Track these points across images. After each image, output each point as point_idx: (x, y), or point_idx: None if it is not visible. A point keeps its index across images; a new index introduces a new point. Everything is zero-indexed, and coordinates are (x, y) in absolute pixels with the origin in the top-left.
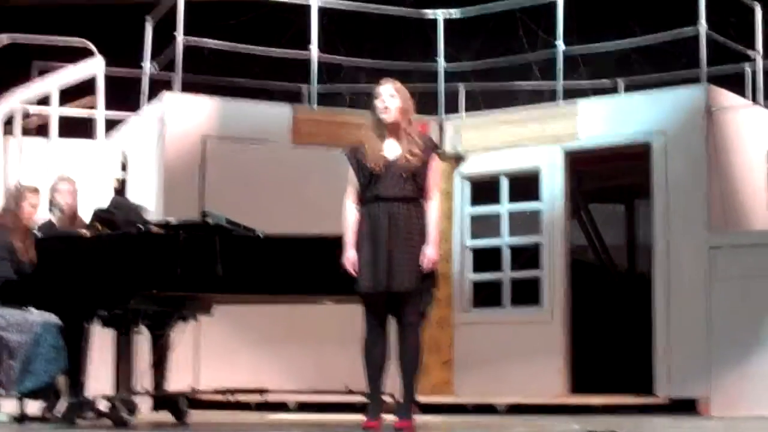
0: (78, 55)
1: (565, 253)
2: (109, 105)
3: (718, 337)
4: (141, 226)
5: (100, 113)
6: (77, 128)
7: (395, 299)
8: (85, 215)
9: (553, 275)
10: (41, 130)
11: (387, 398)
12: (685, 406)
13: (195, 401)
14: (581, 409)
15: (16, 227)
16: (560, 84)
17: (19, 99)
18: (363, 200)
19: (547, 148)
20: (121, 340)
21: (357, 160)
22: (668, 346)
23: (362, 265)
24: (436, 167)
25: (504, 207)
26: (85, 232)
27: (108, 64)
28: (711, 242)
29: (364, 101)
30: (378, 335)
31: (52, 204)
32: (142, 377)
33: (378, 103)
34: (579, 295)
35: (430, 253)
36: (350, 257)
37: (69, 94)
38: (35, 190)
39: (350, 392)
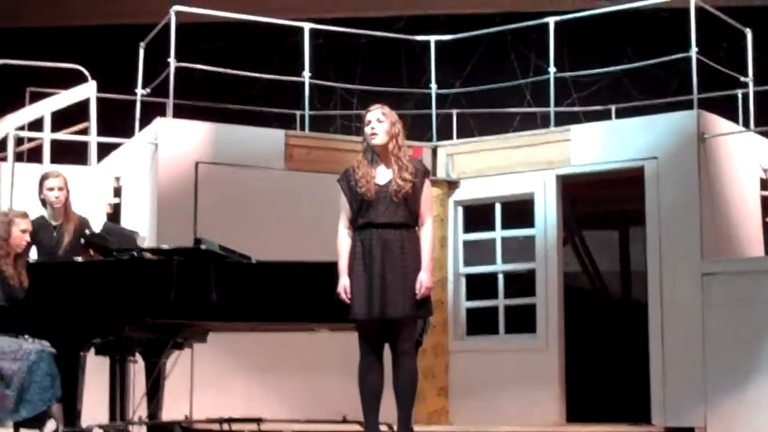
0: (71, 80)
1: (559, 279)
2: (102, 130)
3: (713, 364)
4: (134, 252)
5: (92, 138)
6: (70, 153)
7: (390, 326)
8: (77, 208)
9: (548, 302)
10: (34, 155)
11: (383, 428)
12: None
13: (190, 430)
14: None
15: (6, 253)
16: (552, 109)
17: (12, 124)
18: (356, 227)
19: (540, 174)
20: (115, 368)
21: (349, 186)
22: (664, 373)
23: (356, 293)
24: (429, 192)
25: (498, 233)
26: (78, 258)
27: (101, 88)
28: (704, 269)
29: (356, 126)
30: (373, 363)
31: (43, 200)
32: (138, 406)
33: (366, 128)
34: (574, 322)
35: (424, 280)
36: (344, 284)
37: (62, 120)
38: (24, 215)
39: (346, 421)
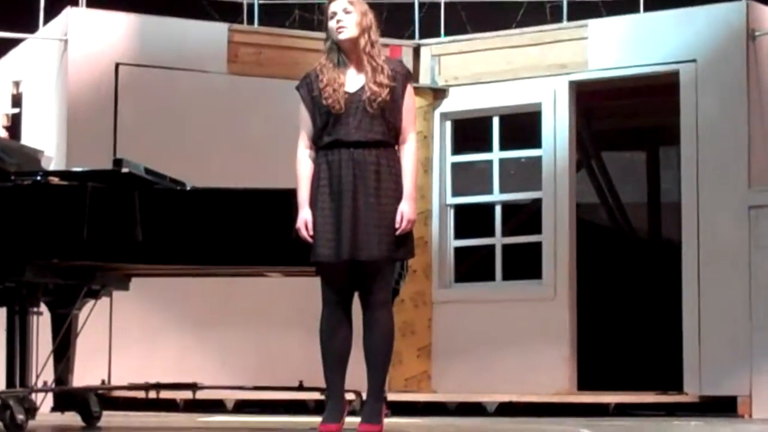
0: None
1: (570, 213)
2: None
3: (762, 319)
4: (37, 176)
5: None
6: None
7: (361, 271)
8: None
9: (556, 241)
10: None
11: (350, 396)
12: (721, 406)
13: (108, 399)
14: (591, 410)
15: None
16: None
17: None
18: (320, 146)
19: (549, 80)
20: (14, 322)
21: (311, 96)
22: (700, 331)
23: (320, 228)
24: (411, 101)
25: (495, 155)
26: None
27: None
28: (752, 201)
29: (319, 20)
30: (339, 317)
31: None
32: (42, 368)
33: (331, 22)
34: (589, 266)
35: (406, 211)
36: (305, 218)
37: None
38: None
39: (303, 388)
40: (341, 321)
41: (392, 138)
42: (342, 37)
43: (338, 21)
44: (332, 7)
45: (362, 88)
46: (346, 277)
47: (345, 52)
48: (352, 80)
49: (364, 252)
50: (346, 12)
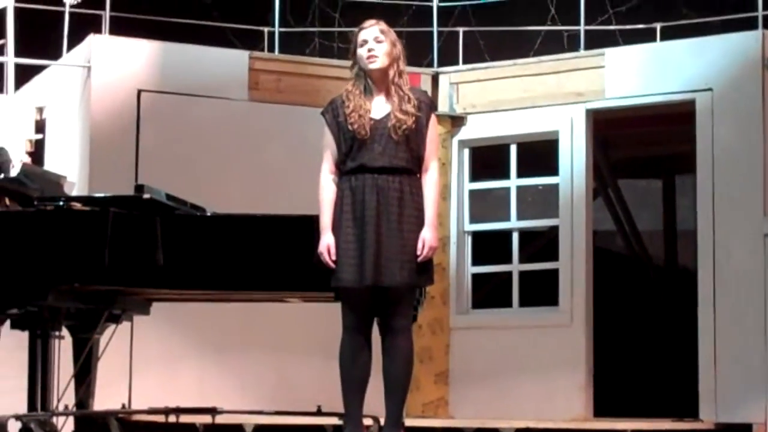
0: None
1: (587, 240)
2: (22, 49)
3: None
4: (60, 202)
5: (9, 59)
6: None
7: (382, 297)
8: None
9: (573, 268)
10: None
11: (368, 421)
12: None
13: (128, 423)
14: None
15: None
16: (583, 27)
17: None
18: (344, 171)
19: (566, 108)
20: (36, 346)
21: (336, 121)
22: (716, 357)
23: (343, 254)
24: (435, 131)
25: (512, 182)
26: None
27: None
28: (767, 228)
29: (339, 48)
30: (360, 342)
31: None
32: (64, 392)
33: (361, 50)
34: (605, 293)
35: (428, 238)
36: (327, 242)
37: None
38: None
39: (321, 413)
40: (361, 346)
41: (415, 166)
42: (373, 66)
43: (369, 50)
44: (363, 35)
45: (388, 115)
46: (367, 302)
47: (373, 80)
48: (378, 107)
49: (386, 278)
50: (378, 41)
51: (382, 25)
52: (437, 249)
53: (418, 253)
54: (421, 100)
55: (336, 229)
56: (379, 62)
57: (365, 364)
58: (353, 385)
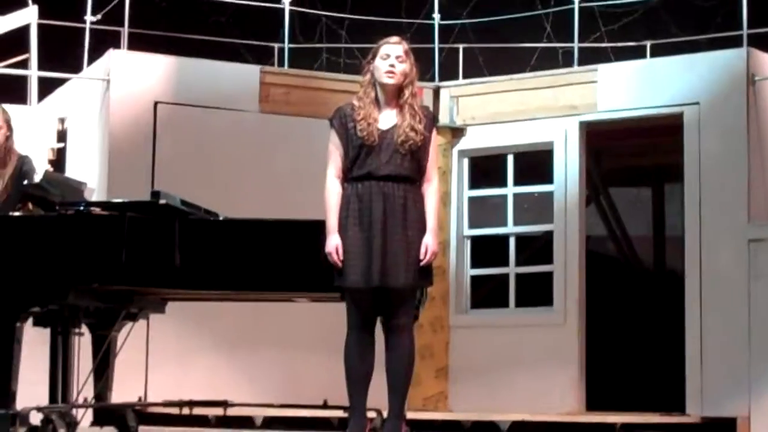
0: (8, 3)
1: (580, 244)
2: (45, 63)
3: (760, 345)
4: (80, 207)
5: (33, 72)
6: (6, 90)
7: (387, 297)
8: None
9: (567, 270)
10: None
11: (372, 414)
12: (721, 427)
13: (144, 415)
14: (598, 429)
15: None
16: (576, 45)
17: None
18: (350, 177)
19: (560, 121)
20: (57, 342)
21: (345, 128)
22: (702, 356)
23: (350, 256)
24: (435, 143)
25: (509, 189)
26: (14, 214)
27: (43, 14)
28: (751, 234)
29: (345, 63)
30: (364, 340)
31: None
32: (83, 386)
33: (381, 63)
34: (597, 294)
35: (431, 244)
36: (335, 243)
37: None
38: None
39: (328, 406)
40: (366, 344)
41: (417, 175)
42: (389, 81)
43: (391, 65)
44: (387, 49)
45: (394, 126)
46: (372, 302)
47: (384, 93)
48: (385, 119)
49: (392, 279)
50: (400, 60)
51: (406, 46)
52: (438, 253)
53: (421, 257)
54: (425, 115)
55: (341, 231)
56: (395, 79)
57: (369, 360)
58: (358, 381)
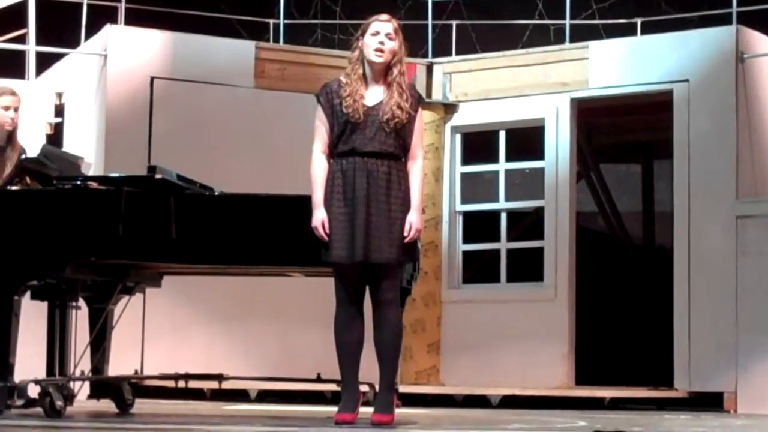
0: None
1: (571, 220)
2: (42, 38)
3: (746, 320)
4: (77, 181)
5: (31, 47)
6: (3, 65)
7: (372, 272)
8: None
9: (557, 246)
10: None
11: (364, 387)
12: (708, 401)
13: (140, 387)
14: (587, 403)
15: None
16: (568, 22)
17: None
18: (335, 153)
19: (552, 97)
20: (54, 315)
21: (331, 104)
22: (689, 331)
23: (335, 232)
24: (421, 122)
25: (501, 165)
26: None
27: None
28: (739, 211)
29: (339, 39)
30: (352, 314)
31: None
32: (80, 358)
33: (371, 40)
34: (587, 269)
35: (415, 221)
36: (321, 217)
37: None
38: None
39: (321, 380)
40: (354, 318)
41: (402, 152)
42: (378, 60)
43: (380, 43)
44: (376, 26)
45: (380, 103)
46: (358, 277)
47: (372, 70)
48: (372, 95)
49: (375, 254)
50: (389, 38)
51: (396, 24)
52: (428, 227)
53: (405, 234)
54: (411, 94)
55: (327, 207)
56: (384, 57)
57: (358, 333)
58: (348, 354)
